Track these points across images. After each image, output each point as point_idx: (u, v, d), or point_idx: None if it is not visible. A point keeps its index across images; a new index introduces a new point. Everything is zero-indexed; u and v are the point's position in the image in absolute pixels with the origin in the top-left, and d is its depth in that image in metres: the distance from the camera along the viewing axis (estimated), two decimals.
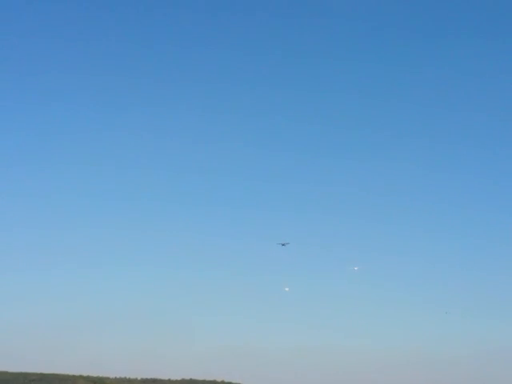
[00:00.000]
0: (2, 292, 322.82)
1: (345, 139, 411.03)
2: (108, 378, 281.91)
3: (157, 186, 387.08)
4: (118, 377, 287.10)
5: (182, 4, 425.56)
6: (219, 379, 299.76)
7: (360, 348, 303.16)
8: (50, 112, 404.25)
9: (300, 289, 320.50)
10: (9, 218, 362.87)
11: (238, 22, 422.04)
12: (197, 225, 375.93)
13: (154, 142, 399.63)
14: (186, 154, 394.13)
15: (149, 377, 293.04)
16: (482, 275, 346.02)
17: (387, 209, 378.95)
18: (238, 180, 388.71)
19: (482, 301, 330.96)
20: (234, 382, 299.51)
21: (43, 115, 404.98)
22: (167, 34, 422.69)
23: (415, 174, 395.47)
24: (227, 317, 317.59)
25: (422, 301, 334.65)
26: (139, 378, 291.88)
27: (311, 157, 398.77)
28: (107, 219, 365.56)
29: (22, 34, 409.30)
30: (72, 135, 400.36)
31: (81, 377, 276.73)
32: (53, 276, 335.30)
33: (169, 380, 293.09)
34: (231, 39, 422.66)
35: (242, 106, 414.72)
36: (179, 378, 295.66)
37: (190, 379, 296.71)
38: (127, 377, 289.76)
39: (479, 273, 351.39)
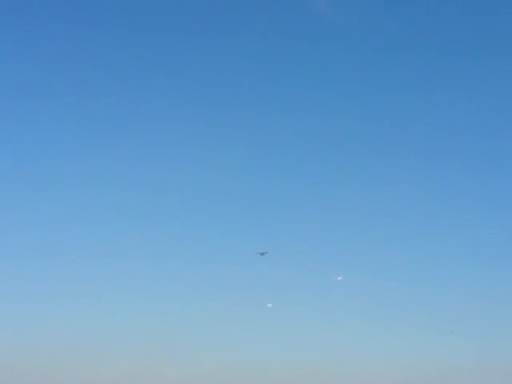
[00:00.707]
0: (13, 316, 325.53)
1: (326, 159, 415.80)
2: None
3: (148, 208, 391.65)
4: None
5: (185, 22, 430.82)
6: None
7: (355, 366, 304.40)
8: (49, 126, 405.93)
9: (284, 303, 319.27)
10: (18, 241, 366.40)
11: (243, 40, 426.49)
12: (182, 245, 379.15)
13: (145, 162, 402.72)
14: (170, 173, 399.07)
15: None
16: (480, 288, 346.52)
17: (376, 215, 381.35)
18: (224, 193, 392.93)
19: (482, 315, 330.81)
20: None
21: (42, 129, 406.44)
22: (168, 45, 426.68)
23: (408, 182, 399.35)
24: (221, 336, 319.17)
25: (416, 315, 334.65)
26: None
27: (294, 170, 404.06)
28: (108, 242, 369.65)
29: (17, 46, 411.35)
30: (73, 156, 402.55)
31: None
32: (57, 302, 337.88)
33: None
34: (235, 56, 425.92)
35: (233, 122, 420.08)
36: None
37: None
38: None
39: (477, 286, 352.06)
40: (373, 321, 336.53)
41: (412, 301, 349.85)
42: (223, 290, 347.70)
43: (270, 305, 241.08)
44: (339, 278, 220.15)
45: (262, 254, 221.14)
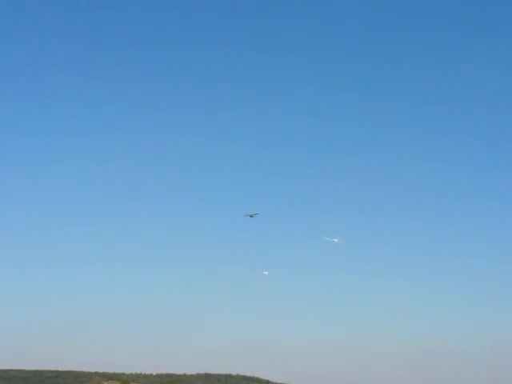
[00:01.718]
0: (19, 292, 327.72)
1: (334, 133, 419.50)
2: (124, 374, 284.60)
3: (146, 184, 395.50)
4: (133, 372, 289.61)
5: (183, 6, 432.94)
6: (234, 373, 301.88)
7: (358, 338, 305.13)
8: (50, 113, 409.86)
9: (281, 269, 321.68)
10: (17, 219, 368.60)
11: (238, 21, 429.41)
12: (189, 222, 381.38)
13: (151, 141, 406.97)
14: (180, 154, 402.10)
15: (164, 372, 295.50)
16: (475, 262, 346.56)
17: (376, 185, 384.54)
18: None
19: (476, 288, 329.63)
20: (248, 375, 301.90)
21: (44, 116, 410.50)
22: (169, 35, 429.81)
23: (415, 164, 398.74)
24: (231, 311, 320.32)
25: (415, 278, 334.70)
26: (154, 374, 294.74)
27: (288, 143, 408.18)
28: (115, 219, 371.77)
29: (20, 35, 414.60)
30: (74, 136, 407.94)
31: (96, 373, 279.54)
32: (66, 275, 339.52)
33: (184, 375, 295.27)
34: (231, 38, 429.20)
35: (235, 103, 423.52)
36: (194, 373, 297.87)
37: (205, 373, 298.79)
38: (143, 372, 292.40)
39: (473, 259, 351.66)
40: (374, 283, 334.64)
41: (411, 264, 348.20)
42: (215, 258, 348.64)
43: (266, 272, 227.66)
44: (335, 240, 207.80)
45: (251, 216, 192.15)
